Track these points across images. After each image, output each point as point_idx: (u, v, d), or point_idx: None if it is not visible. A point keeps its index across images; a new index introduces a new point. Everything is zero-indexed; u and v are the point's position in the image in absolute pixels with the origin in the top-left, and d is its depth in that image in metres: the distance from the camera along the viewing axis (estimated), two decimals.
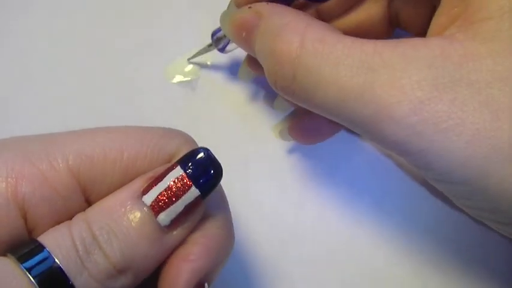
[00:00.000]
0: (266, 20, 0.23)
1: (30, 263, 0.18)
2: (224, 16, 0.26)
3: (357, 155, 0.32)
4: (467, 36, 0.20)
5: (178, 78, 0.33)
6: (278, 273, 0.29)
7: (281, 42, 0.22)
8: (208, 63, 0.33)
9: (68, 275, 0.18)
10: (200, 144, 0.22)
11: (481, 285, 0.29)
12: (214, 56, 0.32)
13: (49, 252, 0.18)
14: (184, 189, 0.19)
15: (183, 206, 0.19)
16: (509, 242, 0.30)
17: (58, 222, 0.19)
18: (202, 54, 0.32)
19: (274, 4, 0.24)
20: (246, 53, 0.30)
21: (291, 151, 0.32)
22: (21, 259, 0.18)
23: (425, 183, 0.31)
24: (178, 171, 0.20)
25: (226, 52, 0.30)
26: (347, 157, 0.32)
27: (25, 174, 0.19)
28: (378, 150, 0.32)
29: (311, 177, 0.31)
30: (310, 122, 0.29)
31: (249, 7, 0.24)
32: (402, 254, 0.30)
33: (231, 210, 0.23)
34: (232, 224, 0.22)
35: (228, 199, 0.23)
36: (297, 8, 0.25)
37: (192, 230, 0.20)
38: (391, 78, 0.20)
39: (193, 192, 0.19)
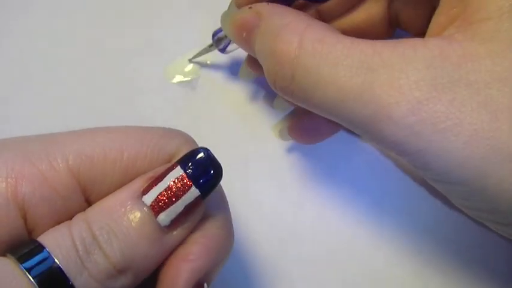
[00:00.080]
0: (266, 21, 0.23)
1: (30, 263, 0.17)
2: (225, 16, 0.26)
3: (357, 155, 0.32)
4: (466, 36, 0.20)
5: (178, 78, 0.33)
6: (277, 272, 0.29)
7: (281, 43, 0.22)
8: (208, 62, 0.33)
9: (67, 275, 0.18)
10: (200, 144, 0.22)
11: (480, 286, 0.29)
12: (214, 56, 0.32)
13: (49, 253, 0.18)
14: (184, 189, 0.19)
15: (183, 206, 0.19)
16: (508, 243, 0.30)
17: (58, 222, 0.19)
18: (203, 54, 0.32)
19: (275, 4, 0.24)
20: (247, 53, 0.30)
21: (290, 151, 0.32)
22: (21, 259, 0.18)
23: (424, 184, 0.31)
24: (178, 171, 0.20)
25: (227, 52, 0.30)
26: (346, 157, 0.32)
27: (25, 174, 0.19)
28: (377, 150, 0.32)
29: (311, 176, 0.31)
30: (309, 121, 0.29)
31: (250, 7, 0.24)
32: (402, 254, 0.30)
33: (230, 210, 0.23)
34: (232, 224, 0.22)
35: (228, 199, 0.23)
36: (297, 9, 0.25)
37: (192, 230, 0.20)
38: (390, 78, 0.20)
39: (193, 192, 0.19)
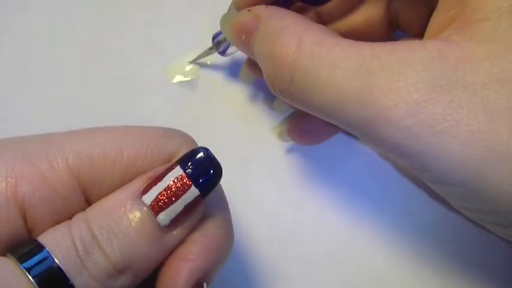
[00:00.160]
0: (265, 23, 0.23)
1: (29, 263, 0.18)
2: (224, 19, 0.26)
3: (356, 156, 0.32)
4: (464, 37, 0.20)
5: (178, 78, 0.33)
6: (277, 272, 0.29)
7: (279, 45, 0.22)
8: (209, 62, 0.33)
9: (67, 274, 0.18)
10: (200, 144, 0.22)
11: (479, 287, 0.29)
12: (215, 56, 0.32)
13: (48, 252, 0.18)
14: (184, 189, 0.19)
15: (183, 206, 0.19)
16: (507, 244, 0.30)
17: (58, 222, 0.19)
18: (204, 57, 0.32)
19: (273, 7, 0.24)
20: (247, 56, 0.30)
21: (291, 151, 0.32)
22: (21, 259, 0.18)
23: (423, 186, 0.31)
24: (178, 171, 0.20)
25: (227, 55, 0.30)
26: (346, 158, 0.32)
27: (25, 174, 0.19)
28: (376, 152, 0.32)
29: (311, 177, 0.31)
30: (309, 124, 0.29)
31: (249, 10, 0.24)
32: (401, 255, 0.30)
33: (231, 210, 0.23)
34: (231, 223, 0.22)
35: (228, 199, 0.23)
36: (296, 11, 0.25)
37: (192, 230, 0.20)
38: (388, 80, 0.20)
39: (193, 192, 0.19)
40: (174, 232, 0.20)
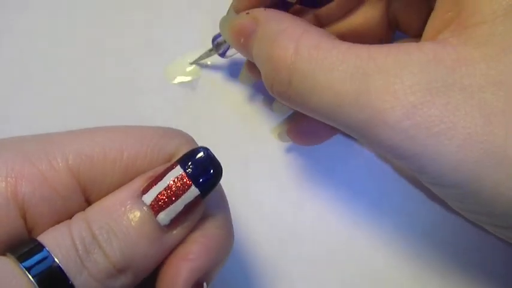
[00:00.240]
0: (263, 26, 0.23)
1: (29, 262, 0.18)
2: (223, 22, 0.27)
3: (355, 157, 0.32)
4: (460, 40, 0.20)
5: (178, 78, 0.33)
6: (277, 272, 0.29)
7: (277, 48, 0.22)
8: (209, 63, 0.33)
9: (67, 274, 0.18)
10: (200, 144, 0.22)
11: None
12: (215, 57, 0.32)
13: (48, 252, 0.18)
14: (184, 189, 0.19)
15: (183, 206, 0.19)
16: (506, 245, 0.30)
17: (58, 222, 0.19)
18: (204, 59, 0.32)
19: (272, 10, 0.24)
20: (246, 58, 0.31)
21: (290, 151, 0.32)
22: (21, 258, 0.18)
23: (421, 187, 0.31)
24: (178, 171, 0.20)
25: (226, 57, 0.30)
26: (345, 158, 0.32)
27: (25, 174, 0.19)
28: (375, 153, 0.32)
29: (310, 177, 0.31)
30: (308, 124, 0.29)
31: (247, 13, 0.24)
32: (400, 256, 0.30)
33: (231, 210, 0.23)
34: (231, 223, 0.22)
35: (228, 199, 0.23)
36: (295, 14, 0.25)
37: (192, 230, 0.20)
38: (384, 83, 0.20)
39: (193, 191, 0.19)
40: (174, 232, 0.20)
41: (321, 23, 0.28)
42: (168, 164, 0.20)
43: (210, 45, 0.31)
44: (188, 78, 0.33)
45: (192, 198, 0.20)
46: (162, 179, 0.19)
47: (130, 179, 0.20)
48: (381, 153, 0.31)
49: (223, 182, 0.21)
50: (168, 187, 0.19)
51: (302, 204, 0.31)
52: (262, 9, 0.24)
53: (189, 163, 0.20)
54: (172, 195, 0.19)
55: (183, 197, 0.19)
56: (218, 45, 0.30)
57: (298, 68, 0.22)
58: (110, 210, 0.19)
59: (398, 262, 0.30)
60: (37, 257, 0.18)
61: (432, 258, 0.30)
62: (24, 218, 0.19)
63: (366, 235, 0.30)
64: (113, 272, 0.18)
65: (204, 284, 0.20)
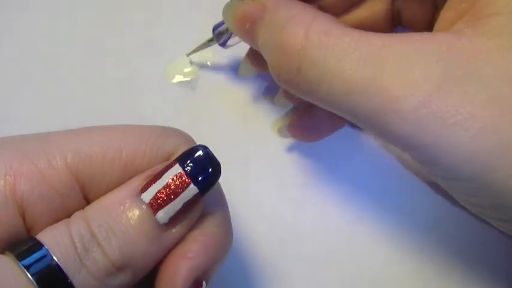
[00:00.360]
0: (271, 13, 0.23)
1: (28, 260, 0.17)
2: (227, 8, 0.26)
3: (357, 153, 0.32)
4: (475, 31, 0.20)
5: (178, 78, 0.33)
6: (277, 272, 0.29)
7: (286, 35, 0.22)
8: (209, 63, 0.33)
9: (66, 272, 0.18)
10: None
11: (481, 281, 0.29)
12: (215, 57, 0.32)
13: (47, 250, 0.18)
14: (182, 187, 0.19)
15: (182, 204, 0.19)
16: (509, 239, 0.30)
17: (56, 220, 0.19)
18: (203, 49, 0.32)
19: None
20: (247, 50, 0.30)
21: (291, 150, 0.32)
22: (20, 257, 0.18)
23: (426, 179, 0.31)
24: (176, 169, 0.20)
25: (227, 47, 0.30)
26: (347, 155, 0.32)
27: (23, 172, 0.19)
28: (378, 147, 0.32)
29: (310, 177, 0.31)
30: (310, 119, 0.29)
31: None
32: (403, 251, 0.30)
33: (230, 209, 0.23)
34: (230, 221, 0.22)
35: (228, 199, 0.23)
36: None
37: (191, 228, 0.20)
38: (399, 71, 0.20)
39: (192, 189, 0.19)
40: (173, 230, 0.20)
41: None
42: (167, 163, 0.20)
43: (209, 37, 0.30)
44: (188, 78, 0.33)
45: (191, 197, 0.19)
46: (161, 178, 0.19)
47: (129, 178, 0.20)
48: (389, 144, 0.31)
49: (223, 181, 0.21)
50: (167, 185, 0.19)
51: (302, 204, 0.31)
52: None
53: (188, 161, 0.20)
54: (171, 193, 0.19)
55: (182, 195, 0.19)
56: (219, 35, 0.29)
57: (308, 54, 0.21)
58: (109, 209, 0.19)
59: (400, 257, 0.30)
60: (36, 256, 0.18)
61: (435, 252, 0.30)
62: (23, 216, 0.19)
63: (368, 231, 0.30)
64: (111, 270, 0.18)
65: (203, 282, 0.20)
